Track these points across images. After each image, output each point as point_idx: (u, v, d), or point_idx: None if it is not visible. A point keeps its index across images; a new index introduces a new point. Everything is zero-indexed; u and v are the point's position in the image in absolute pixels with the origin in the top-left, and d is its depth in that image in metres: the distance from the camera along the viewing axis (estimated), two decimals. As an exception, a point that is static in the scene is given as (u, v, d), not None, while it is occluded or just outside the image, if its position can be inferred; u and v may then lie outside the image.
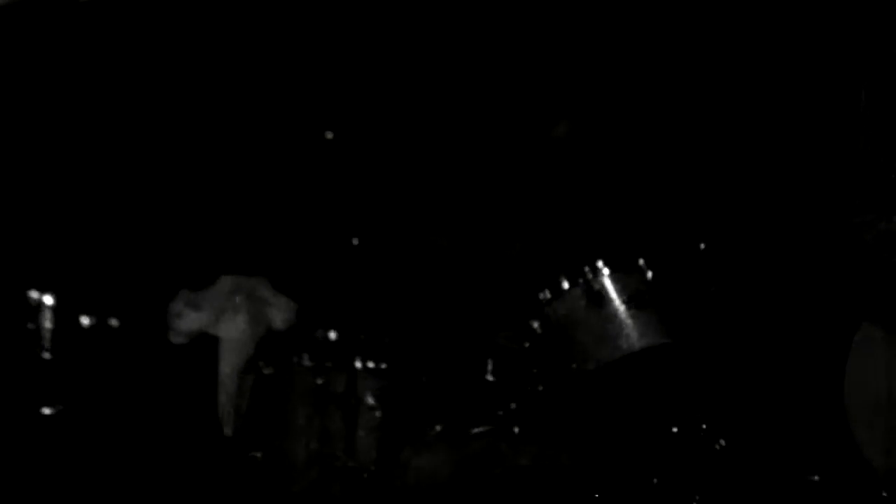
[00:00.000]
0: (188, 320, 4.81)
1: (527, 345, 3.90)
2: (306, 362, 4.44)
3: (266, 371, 4.55)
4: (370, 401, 4.34)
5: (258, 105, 5.16)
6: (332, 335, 4.62)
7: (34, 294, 5.00)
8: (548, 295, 3.85)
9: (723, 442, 3.77)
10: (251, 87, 5.15)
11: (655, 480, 3.70)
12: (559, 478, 3.73)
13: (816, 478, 3.67)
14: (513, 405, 3.96)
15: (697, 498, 3.62)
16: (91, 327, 5.09)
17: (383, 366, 4.40)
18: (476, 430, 3.91)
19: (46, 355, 4.93)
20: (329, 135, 4.34)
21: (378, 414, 4.35)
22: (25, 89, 5.07)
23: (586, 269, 3.81)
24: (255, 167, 5.18)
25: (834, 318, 4.09)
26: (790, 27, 4.55)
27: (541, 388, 3.89)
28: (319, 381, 4.38)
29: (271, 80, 5.15)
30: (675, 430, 3.79)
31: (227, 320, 4.78)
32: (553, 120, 4.71)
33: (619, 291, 3.79)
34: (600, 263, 3.81)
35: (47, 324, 4.94)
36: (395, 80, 5.01)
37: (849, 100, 3.19)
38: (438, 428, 4.04)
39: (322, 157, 4.61)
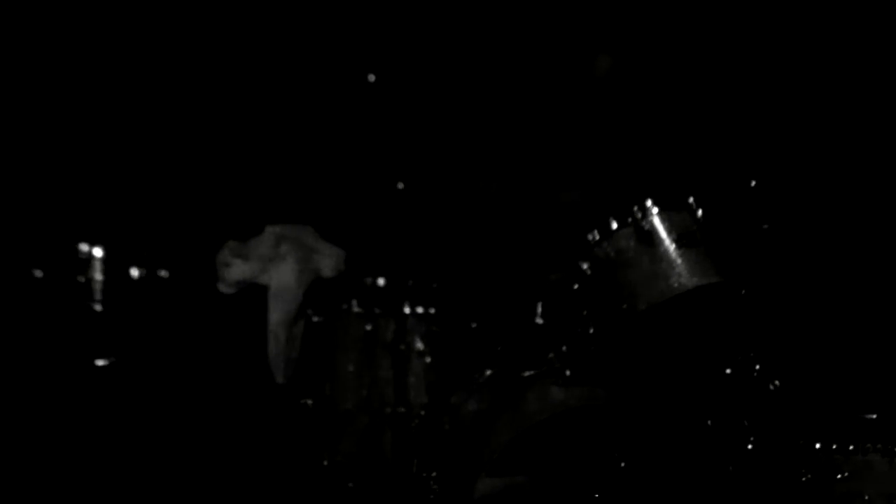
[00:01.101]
0: (236, 270, 4.81)
1: (576, 286, 3.85)
2: (355, 309, 4.45)
3: (315, 319, 4.56)
4: (419, 346, 4.34)
5: (299, 51, 5.13)
6: (381, 281, 4.62)
7: (84, 247, 5.04)
8: (597, 235, 3.80)
9: (777, 382, 3.72)
10: (289, 34, 5.13)
11: (709, 422, 3.66)
12: (611, 420, 3.70)
13: (874, 416, 3.61)
14: (563, 347, 3.92)
15: (752, 439, 3.58)
16: (141, 279, 5.13)
17: (432, 311, 4.39)
18: (526, 374, 3.88)
19: (98, 307, 4.97)
20: (371, 77, 4.31)
21: (427, 359, 4.34)
22: (65, 50, 5.08)
23: (635, 208, 3.75)
24: (299, 114, 5.16)
25: (887, 258, 4.02)
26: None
27: (591, 329, 3.85)
28: (368, 328, 4.39)
29: (310, 21, 5.11)
30: (728, 370, 3.75)
31: (274, 269, 4.78)
32: (595, 57, 4.63)
33: (669, 230, 3.72)
34: (649, 202, 3.75)
35: (98, 276, 4.98)
36: (434, 20, 4.96)
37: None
38: (488, 372, 4.01)
39: (364, 102, 4.58)
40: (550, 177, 4.61)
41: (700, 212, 3.78)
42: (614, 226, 3.77)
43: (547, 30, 4.75)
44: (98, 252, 5.01)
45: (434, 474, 3.80)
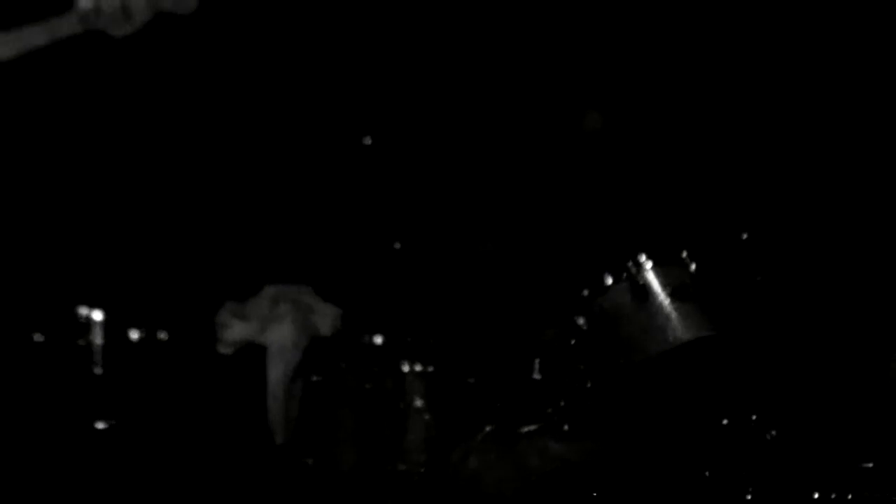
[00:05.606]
0: (235, 330, 4.84)
1: (572, 342, 3.89)
2: (354, 367, 4.46)
3: (314, 378, 4.58)
4: (418, 403, 4.36)
5: (295, 112, 5.18)
6: (378, 339, 4.64)
7: (84, 310, 5.05)
8: (591, 291, 3.83)
9: (774, 433, 3.75)
10: (287, 94, 5.18)
11: (707, 473, 3.68)
12: (611, 474, 3.71)
13: (870, 465, 3.63)
14: (561, 402, 3.95)
15: (750, 489, 3.60)
16: (140, 341, 5.14)
17: (430, 368, 4.41)
18: (525, 429, 3.90)
19: (97, 370, 4.98)
20: (367, 140, 4.36)
21: (427, 416, 4.36)
22: (69, 108, 5.12)
23: (629, 263, 3.79)
24: (295, 175, 5.20)
25: (879, 307, 4.05)
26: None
27: (588, 384, 3.88)
28: (367, 386, 4.41)
29: (307, 84, 5.17)
30: (724, 422, 3.77)
31: (273, 329, 4.80)
32: (583, 112, 4.69)
33: (663, 284, 3.76)
34: (643, 257, 3.80)
35: (97, 339, 5.00)
36: (429, 83, 5.02)
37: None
38: (488, 428, 4.03)
39: (361, 163, 4.63)
40: (544, 230, 4.65)
41: (693, 266, 3.82)
42: (609, 281, 3.81)
43: (537, 88, 4.81)
44: (97, 315, 5.03)
45: (435, 531, 3.81)
